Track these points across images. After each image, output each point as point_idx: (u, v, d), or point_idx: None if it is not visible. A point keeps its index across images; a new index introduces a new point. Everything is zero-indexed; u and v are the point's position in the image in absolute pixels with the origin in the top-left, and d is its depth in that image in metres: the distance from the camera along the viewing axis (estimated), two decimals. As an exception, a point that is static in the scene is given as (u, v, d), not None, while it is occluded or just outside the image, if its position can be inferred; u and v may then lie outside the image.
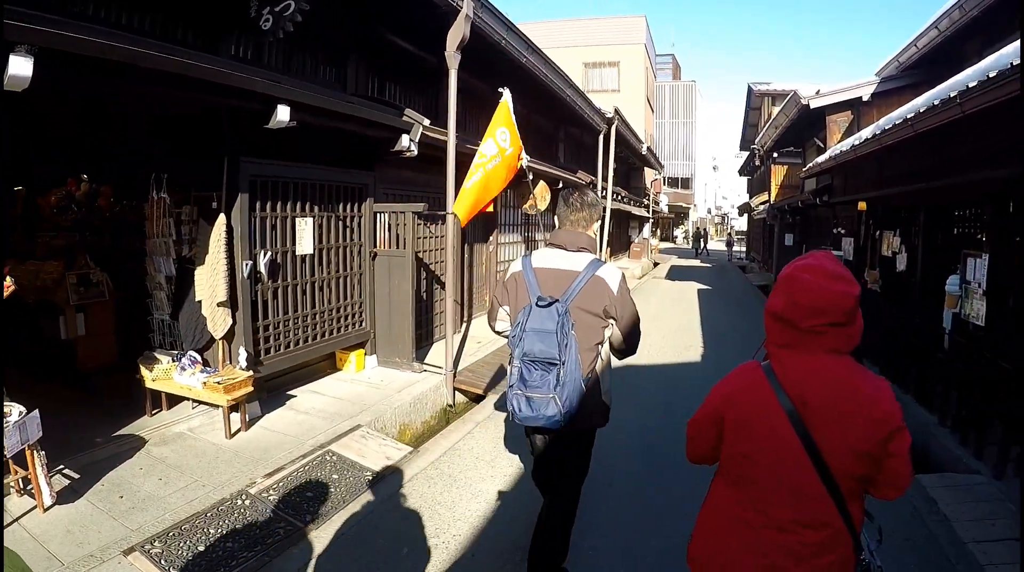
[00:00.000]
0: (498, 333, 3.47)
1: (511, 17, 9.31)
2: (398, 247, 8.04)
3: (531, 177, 7.81)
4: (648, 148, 24.22)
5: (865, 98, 12.79)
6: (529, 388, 2.97)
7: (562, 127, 16.84)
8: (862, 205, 11.67)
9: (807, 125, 15.46)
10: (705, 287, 20.89)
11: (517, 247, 13.88)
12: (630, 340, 3.24)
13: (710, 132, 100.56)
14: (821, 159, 11.56)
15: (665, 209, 47.32)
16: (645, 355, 5.82)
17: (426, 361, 8.41)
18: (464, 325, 11.08)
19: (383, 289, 8.08)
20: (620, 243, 28.34)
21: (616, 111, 16.38)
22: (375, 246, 8.11)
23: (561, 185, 9.99)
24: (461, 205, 7.07)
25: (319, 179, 7.14)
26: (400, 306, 7.98)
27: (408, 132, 7.43)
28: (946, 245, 8.25)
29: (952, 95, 5.39)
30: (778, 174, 23.01)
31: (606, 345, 3.26)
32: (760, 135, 20.51)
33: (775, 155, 21.77)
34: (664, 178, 56.58)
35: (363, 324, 8.16)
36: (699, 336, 11.78)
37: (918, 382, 7.64)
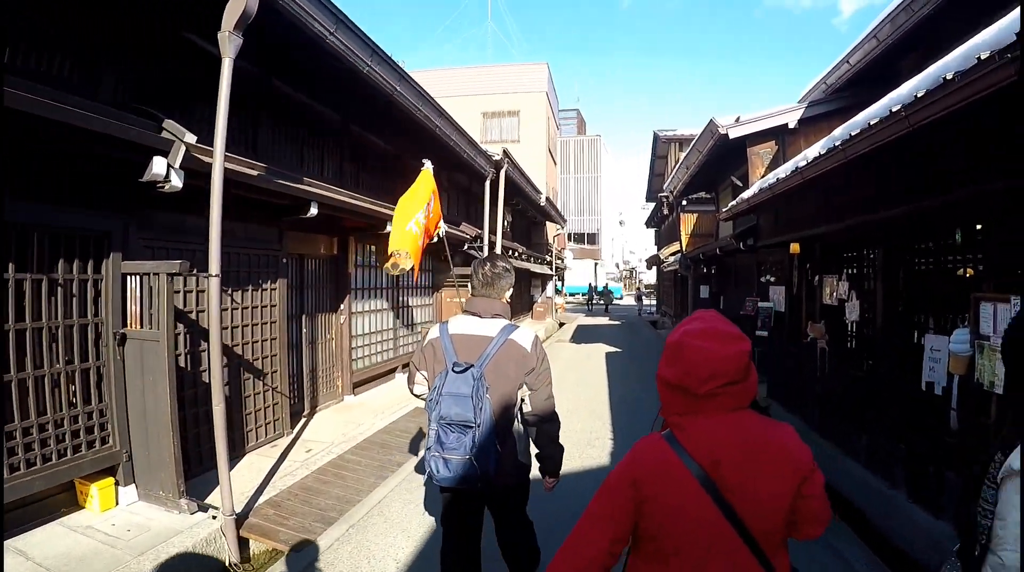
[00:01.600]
0: (417, 396, 3.55)
1: (407, 67, 7.12)
2: (151, 326, 5.33)
3: (389, 229, 6.87)
4: (547, 199, 22.32)
5: (791, 125, 11.17)
6: (446, 450, 3.09)
7: (444, 173, 14.51)
8: (795, 247, 9.88)
9: (722, 163, 13.84)
10: (615, 350, 18.98)
11: (383, 316, 11.64)
12: (544, 405, 3.37)
13: (616, 186, 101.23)
14: (747, 194, 9.75)
15: (571, 265, 45.79)
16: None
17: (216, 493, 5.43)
18: (302, 422, 8.58)
19: (136, 388, 5.34)
20: (521, 303, 26.07)
21: (505, 154, 14.30)
22: (125, 324, 5.46)
23: (436, 239, 8.29)
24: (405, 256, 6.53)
25: (19, 221, 4.56)
26: (157, 414, 5.23)
27: (165, 154, 4.91)
28: (919, 288, 6.64)
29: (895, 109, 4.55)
30: (688, 222, 21.54)
31: (520, 407, 3.38)
32: (669, 180, 18.85)
33: (684, 203, 20.21)
34: (570, 234, 55.80)
35: (108, 441, 5.30)
36: (607, 421, 9.65)
37: (910, 471, 5.63)
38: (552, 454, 3.52)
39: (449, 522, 3.54)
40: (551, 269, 30.10)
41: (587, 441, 8.35)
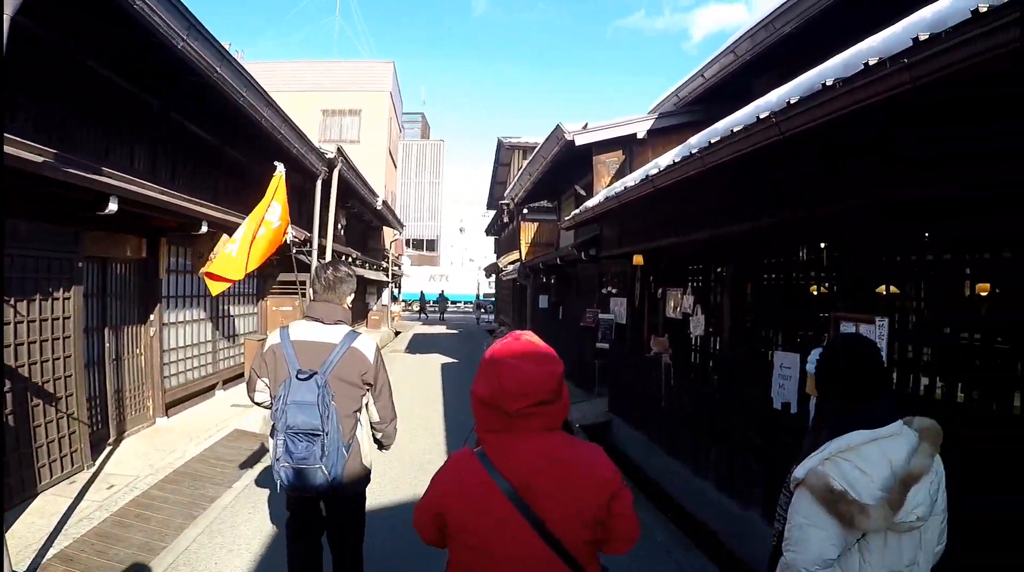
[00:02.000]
0: (258, 404, 3.50)
1: (245, 58, 5.95)
2: None
3: (205, 229, 6.85)
4: (384, 202, 21.26)
5: (640, 135, 10.98)
6: (295, 459, 3.08)
7: (272, 169, 13.39)
8: (638, 258, 9.63)
9: (566, 171, 13.57)
10: (451, 361, 18.25)
11: (200, 327, 10.30)
12: (386, 412, 3.57)
13: (457, 193, 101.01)
14: (592, 202, 9.41)
15: (408, 273, 44.81)
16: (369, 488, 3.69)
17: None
18: (106, 451, 7.14)
19: None
20: (356, 312, 24.93)
21: (340, 152, 13.22)
22: None
23: (286, 241, 7.44)
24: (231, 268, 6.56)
25: None
26: None
27: None
28: (769, 304, 6.60)
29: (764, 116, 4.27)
30: (529, 231, 21.30)
31: (364, 412, 3.45)
32: (511, 186, 18.49)
33: (525, 211, 19.92)
34: (409, 241, 54.79)
35: None
36: (442, 440, 8.91)
37: (765, 491, 5.31)
38: (391, 445, 3.79)
39: (296, 529, 3.58)
40: (387, 276, 28.98)
41: (420, 464, 7.49)
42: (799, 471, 1.99)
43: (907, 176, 3.93)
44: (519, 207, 18.66)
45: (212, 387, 10.50)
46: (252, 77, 8.33)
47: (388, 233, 31.20)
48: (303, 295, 12.11)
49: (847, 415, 2.04)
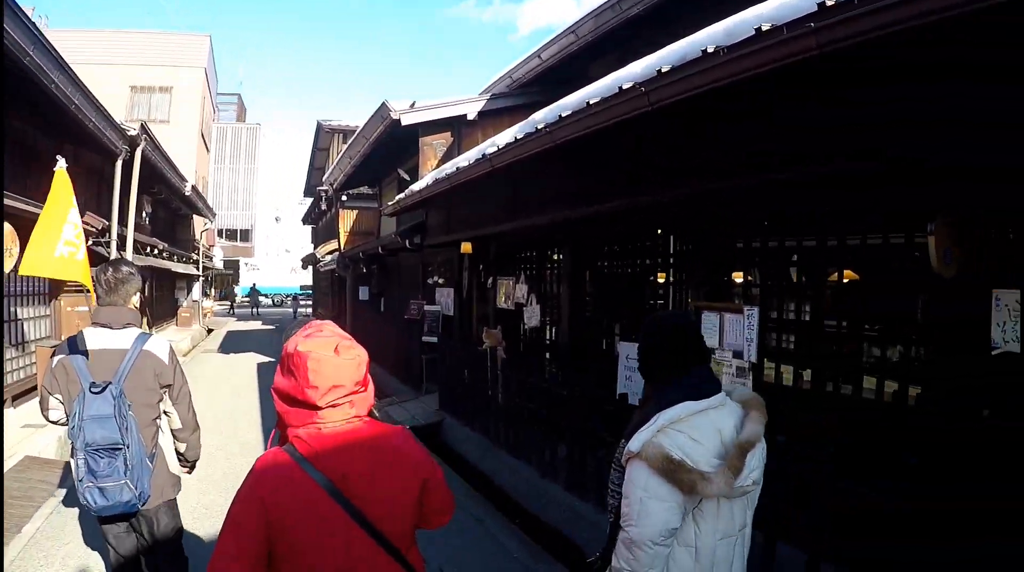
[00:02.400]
0: (53, 422, 3.22)
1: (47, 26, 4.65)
2: None
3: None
4: (194, 188, 19.32)
5: (471, 116, 10.38)
6: (100, 478, 2.87)
7: (67, 147, 11.45)
8: (467, 246, 9.05)
9: (390, 154, 12.73)
10: (268, 360, 16.62)
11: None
12: (187, 419, 3.34)
13: (274, 180, 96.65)
14: (418, 186, 8.69)
15: (220, 264, 41.79)
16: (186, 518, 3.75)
17: None
18: None
19: None
20: (164, 308, 22.64)
21: (144, 129, 11.57)
22: None
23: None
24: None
25: None
26: None
27: None
28: (611, 294, 6.38)
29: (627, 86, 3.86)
30: (348, 219, 20.20)
31: (164, 418, 3.28)
32: (330, 170, 17.22)
33: (344, 198, 18.83)
34: (222, 230, 51.35)
35: None
36: (258, 454, 7.71)
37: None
38: (197, 457, 3.54)
39: (114, 548, 3.32)
40: (198, 269, 26.70)
41: (234, 486, 6.49)
42: (633, 444, 1.93)
43: (782, 154, 3.57)
44: (338, 193, 17.57)
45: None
46: (41, 33, 6.89)
47: (199, 222, 28.77)
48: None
49: (673, 388, 2.01)
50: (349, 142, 13.51)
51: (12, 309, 9.32)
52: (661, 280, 5.81)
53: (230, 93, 60.79)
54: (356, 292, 17.20)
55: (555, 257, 7.36)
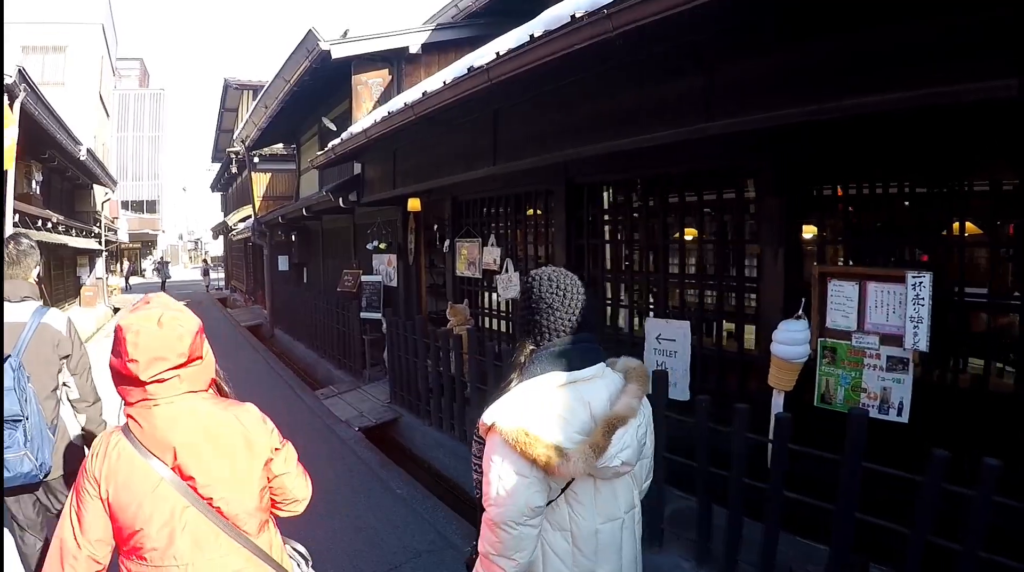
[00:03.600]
0: None
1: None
2: None
3: None
4: (91, 152, 16.47)
5: (413, 49, 8.54)
6: None
7: None
8: (414, 203, 7.36)
9: (314, 100, 10.76)
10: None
11: None
12: (86, 390, 3.30)
13: (180, 149, 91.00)
14: (357, 128, 6.85)
15: (125, 238, 38.25)
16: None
17: None
18: None
19: None
20: (65, 287, 19.83)
21: (22, 75, 9.24)
22: None
23: None
24: None
25: None
26: None
27: None
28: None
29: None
30: (261, 183, 18.04)
31: (63, 389, 3.26)
32: (242, 127, 14.83)
33: (257, 160, 16.65)
34: (128, 202, 47.88)
35: None
36: None
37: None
38: (100, 430, 3.32)
39: (17, 521, 3.23)
40: (100, 243, 23.74)
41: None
42: (487, 415, 1.70)
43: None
44: (251, 152, 15.38)
45: None
46: None
47: (100, 193, 25.80)
48: None
49: (544, 355, 1.76)
50: (264, 89, 11.40)
51: None
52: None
53: (132, 57, 55.99)
54: (275, 262, 15.10)
55: (540, 210, 5.76)
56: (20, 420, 2.86)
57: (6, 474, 2.85)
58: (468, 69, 4.23)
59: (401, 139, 6.36)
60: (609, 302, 5.20)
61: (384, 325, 8.15)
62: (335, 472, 5.53)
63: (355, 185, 8.28)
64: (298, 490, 1.92)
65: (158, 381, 1.69)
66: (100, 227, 24.45)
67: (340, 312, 8.95)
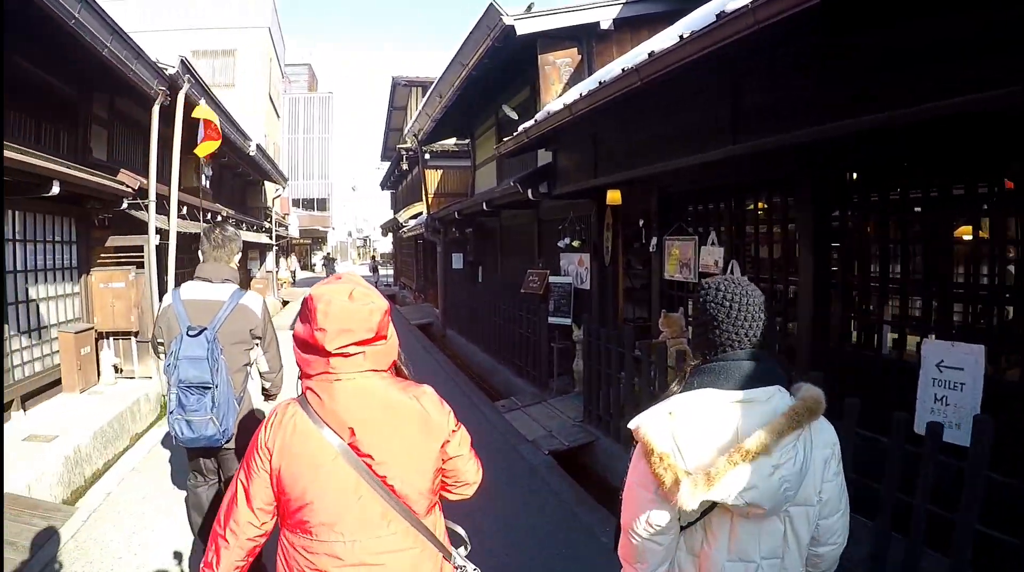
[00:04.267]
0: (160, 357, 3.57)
1: None
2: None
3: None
4: (260, 148, 16.94)
5: (604, 25, 7.82)
6: (188, 412, 3.17)
7: (97, 95, 9.10)
8: (614, 195, 6.54)
9: (492, 87, 10.30)
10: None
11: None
12: (274, 363, 3.67)
13: (349, 149, 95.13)
14: (556, 106, 6.12)
15: (296, 234, 40.12)
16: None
17: None
18: None
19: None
20: (239, 278, 20.79)
21: (185, 66, 9.24)
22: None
23: (58, 189, 5.67)
24: None
25: None
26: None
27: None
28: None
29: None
30: (432, 179, 17.92)
31: (254, 366, 3.61)
32: (413, 121, 14.63)
33: (428, 156, 16.43)
34: (299, 201, 50.45)
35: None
36: None
37: None
38: (279, 391, 3.78)
39: (196, 471, 3.59)
40: (271, 238, 24.74)
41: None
42: (634, 421, 1.65)
43: None
44: (424, 146, 15.14)
45: (3, 408, 6.80)
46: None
47: (271, 190, 26.98)
48: (140, 266, 8.61)
49: (707, 369, 1.66)
50: (438, 77, 11.01)
51: (22, 288, 7.35)
52: None
53: (300, 63, 59.63)
54: (448, 260, 14.79)
55: (766, 205, 4.82)
56: (210, 388, 3.16)
57: (190, 434, 3.20)
58: (717, 16, 3.37)
59: (604, 120, 5.60)
60: (862, 315, 4.20)
61: (575, 332, 7.42)
62: (522, 504, 4.92)
63: (545, 175, 7.61)
64: (470, 473, 1.93)
65: (343, 355, 1.71)
66: (271, 223, 25.47)
67: (525, 315, 8.31)
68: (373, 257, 47.44)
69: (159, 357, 3.58)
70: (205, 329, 3.21)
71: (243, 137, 15.15)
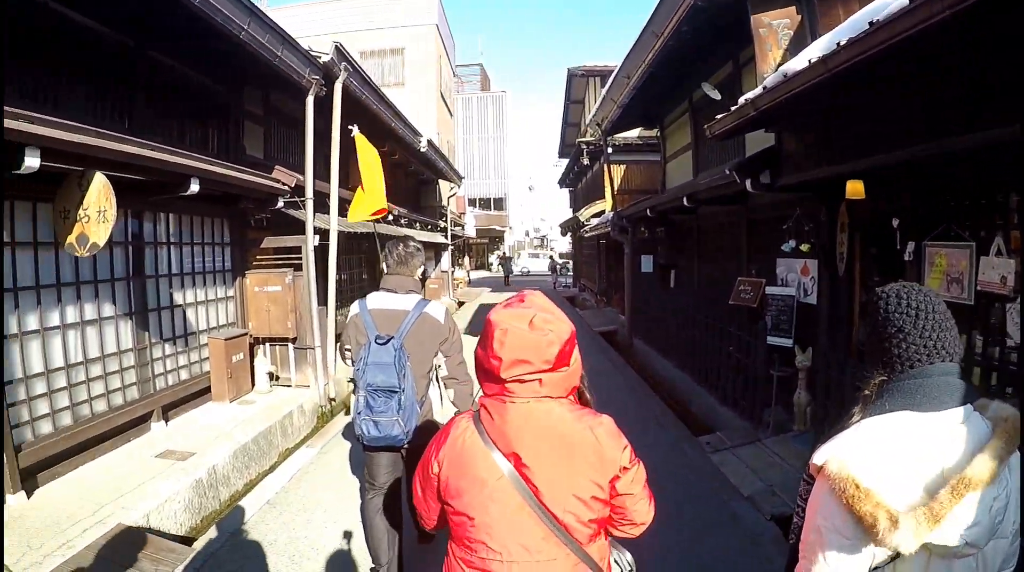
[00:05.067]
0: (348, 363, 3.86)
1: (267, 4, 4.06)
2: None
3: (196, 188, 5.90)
4: (431, 144, 16.62)
5: (831, -24, 6.47)
6: (375, 413, 3.45)
7: (249, 90, 9.11)
8: (855, 187, 5.23)
9: (686, 67, 9.16)
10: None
11: (111, 330, 6.30)
12: (457, 371, 3.84)
13: (524, 148, 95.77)
14: (795, 66, 4.82)
15: (472, 233, 40.41)
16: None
17: None
18: None
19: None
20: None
21: (340, 51, 8.59)
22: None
23: (196, 187, 5.64)
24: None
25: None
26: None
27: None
28: None
29: None
30: (616, 173, 16.87)
31: (435, 372, 3.85)
32: (597, 107, 13.60)
33: (610, 150, 15.35)
34: (475, 200, 51.09)
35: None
36: None
37: None
38: (465, 407, 3.80)
39: (374, 477, 3.87)
40: (445, 237, 24.65)
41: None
42: (818, 455, 1.51)
43: None
44: (608, 136, 14.05)
45: (143, 419, 6.60)
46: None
47: (446, 188, 27.01)
48: (298, 269, 8.38)
49: (894, 388, 1.52)
50: (625, 57, 9.98)
51: (166, 294, 7.28)
52: None
53: (472, 64, 61.76)
54: (636, 262, 13.66)
55: None
56: (397, 392, 3.40)
57: (377, 434, 3.45)
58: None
59: (860, 86, 4.33)
60: None
61: (797, 356, 6.16)
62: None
63: (766, 163, 6.36)
64: (639, 514, 1.85)
65: (518, 381, 1.71)
66: (446, 222, 25.39)
67: (735, 332, 7.12)
68: (551, 257, 46.91)
69: (347, 363, 3.85)
70: (392, 337, 3.47)
71: (413, 133, 14.95)
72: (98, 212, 4.76)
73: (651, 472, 1.92)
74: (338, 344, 4.12)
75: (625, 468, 1.77)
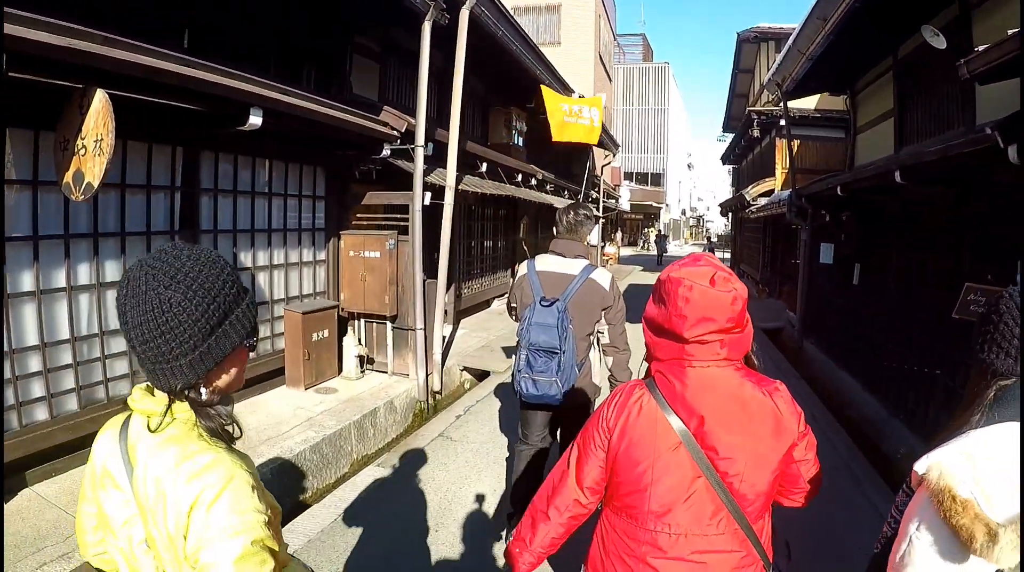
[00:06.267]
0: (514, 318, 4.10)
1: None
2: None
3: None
4: (581, 98, 15.32)
5: None
6: (535, 372, 3.58)
7: (365, 17, 7.99)
8: None
9: (891, 16, 7.31)
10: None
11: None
12: (618, 340, 3.91)
13: (684, 123, 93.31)
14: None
15: (626, 207, 38.66)
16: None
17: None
18: None
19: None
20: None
21: None
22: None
23: (258, 119, 4.92)
24: None
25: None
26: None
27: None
28: None
29: None
30: (792, 146, 14.96)
31: (596, 336, 3.91)
32: (776, 66, 11.55)
33: (782, 123, 13.36)
34: (632, 175, 49.50)
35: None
36: None
37: None
38: (624, 379, 3.89)
39: (527, 434, 4.10)
40: (597, 209, 23.10)
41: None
42: (920, 464, 1.36)
43: None
44: (789, 96, 11.99)
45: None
46: None
47: (601, 157, 25.61)
48: (401, 232, 7.51)
49: (1011, 397, 1.37)
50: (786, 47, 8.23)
51: (244, 251, 6.49)
52: None
53: (634, 34, 60.28)
54: (815, 251, 11.75)
55: None
56: (557, 353, 3.53)
57: (535, 392, 3.60)
58: None
59: None
60: None
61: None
62: None
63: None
64: (811, 481, 1.85)
65: (700, 342, 1.68)
66: (598, 193, 23.99)
67: (959, 358, 5.43)
68: (708, 238, 44.75)
69: (514, 320, 4.00)
70: (557, 300, 3.60)
71: (563, 87, 13.75)
72: (95, 142, 3.94)
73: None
74: (507, 302, 4.11)
75: (802, 434, 1.75)
